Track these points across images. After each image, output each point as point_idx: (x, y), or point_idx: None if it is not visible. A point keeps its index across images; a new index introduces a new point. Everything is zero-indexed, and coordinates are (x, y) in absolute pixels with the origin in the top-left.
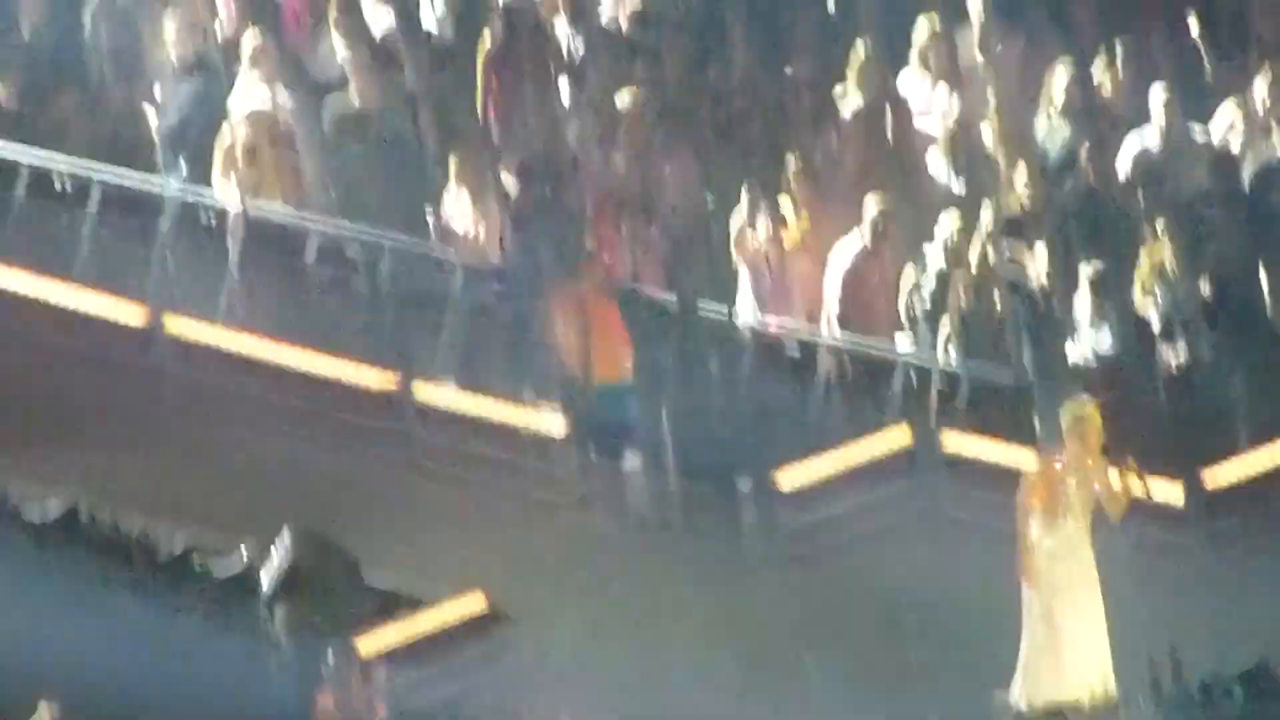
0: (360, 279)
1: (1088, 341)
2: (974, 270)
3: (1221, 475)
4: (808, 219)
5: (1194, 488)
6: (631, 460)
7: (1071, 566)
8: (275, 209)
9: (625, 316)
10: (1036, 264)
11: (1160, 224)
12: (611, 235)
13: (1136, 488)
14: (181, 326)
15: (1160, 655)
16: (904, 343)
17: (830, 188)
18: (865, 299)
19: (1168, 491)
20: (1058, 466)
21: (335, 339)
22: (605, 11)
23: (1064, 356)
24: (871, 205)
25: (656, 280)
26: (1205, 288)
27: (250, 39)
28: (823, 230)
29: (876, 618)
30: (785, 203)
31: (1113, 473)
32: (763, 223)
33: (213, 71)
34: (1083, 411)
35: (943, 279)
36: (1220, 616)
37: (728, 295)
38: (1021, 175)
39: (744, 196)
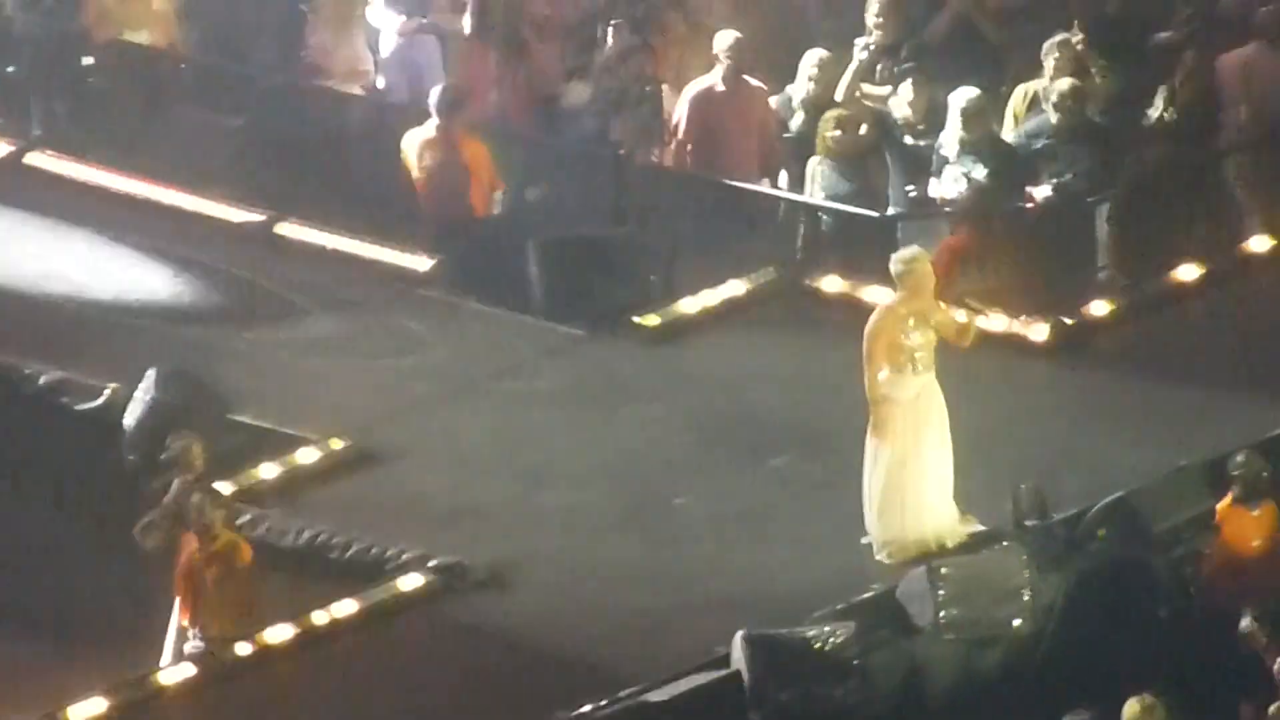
0: (229, 115)
1: (955, 175)
2: (842, 107)
3: (1088, 310)
4: (677, 55)
5: (1058, 323)
6: (498, 298)
7: (920, 412)
8: (143, 42)
9: (494, 154)
10: (904, 98)
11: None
12: (483, 73)
13: (979, 322)
14: (46, 161)
15: (1025, 491)
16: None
17: (700, 25)
18: (726, 136)
19: (1034, 328)
20: (897, 315)
21: (203, 175)
22: None
23: (931, 192)
24: (723, 41)
25: (528, 119)
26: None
27: None
28: (692, 67)
29: (744, 457)
30: (658, 41)
31: (954, 312)
32: (632, 58)
33: None
34: (912, 260)
35: (810, 116)
36: (1085, 451)
37: (600, 132)
38: (887, 7)
39: (612, 32)
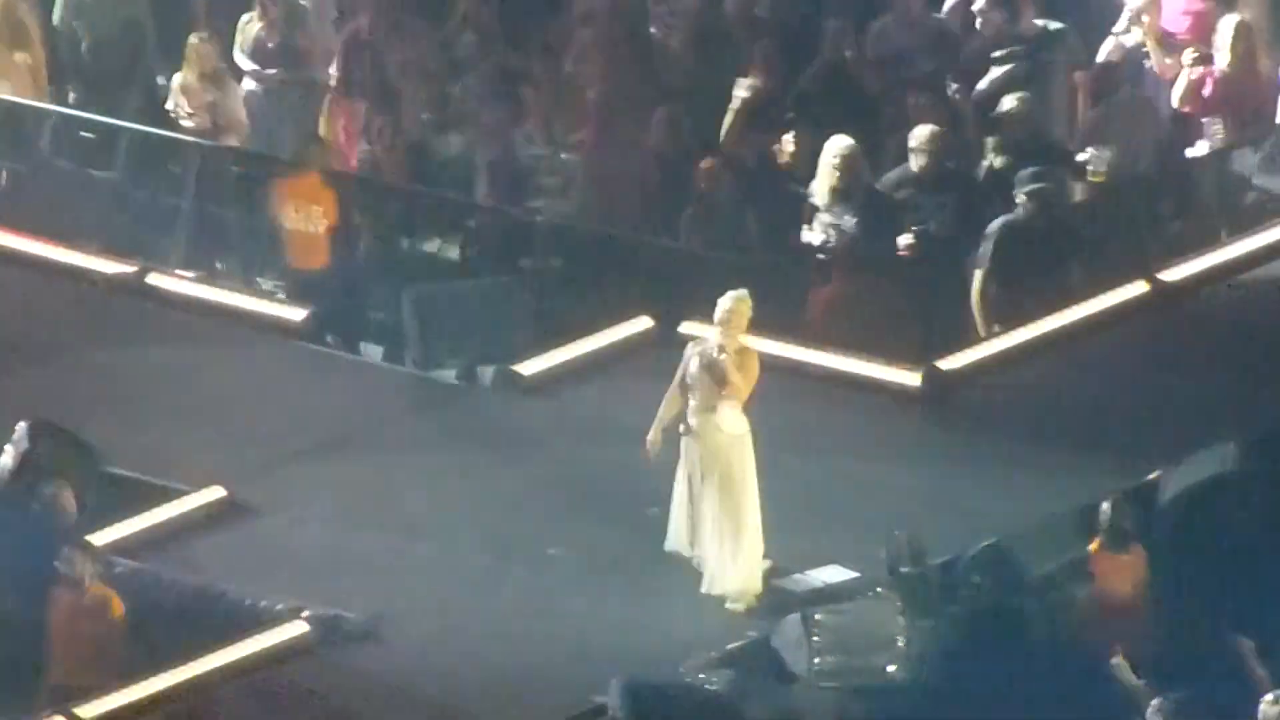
0: (97, 167)
1: (826, 223)
2: (718, 155)
3: (958, 358)
4: (550, 103)
5: (930, 370)
6: (370, 349)
7: (692, 449)
8: (8, 95)
9: (364, 205)
10: (785, 147)
11: (914, 102)
12: (349, 123)
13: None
14: None
15: (900, 537)
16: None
17: (573, 76)
18: (611, 188)
19: (905, 376)
20: (709, 350)
21: (74, 227)
22: None
23: (803, 239)
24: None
25: (398, 170)
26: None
27: None
28: (564, 118)
29: (620, 506)
30: (528, 92)
31: (748, 361)
32: (500, 109)
33: None
34: (733, 300)
35: (687, 165)
36: (957, 498)
37: (469, 183)
38: (763, 56)
39: (479, 81)
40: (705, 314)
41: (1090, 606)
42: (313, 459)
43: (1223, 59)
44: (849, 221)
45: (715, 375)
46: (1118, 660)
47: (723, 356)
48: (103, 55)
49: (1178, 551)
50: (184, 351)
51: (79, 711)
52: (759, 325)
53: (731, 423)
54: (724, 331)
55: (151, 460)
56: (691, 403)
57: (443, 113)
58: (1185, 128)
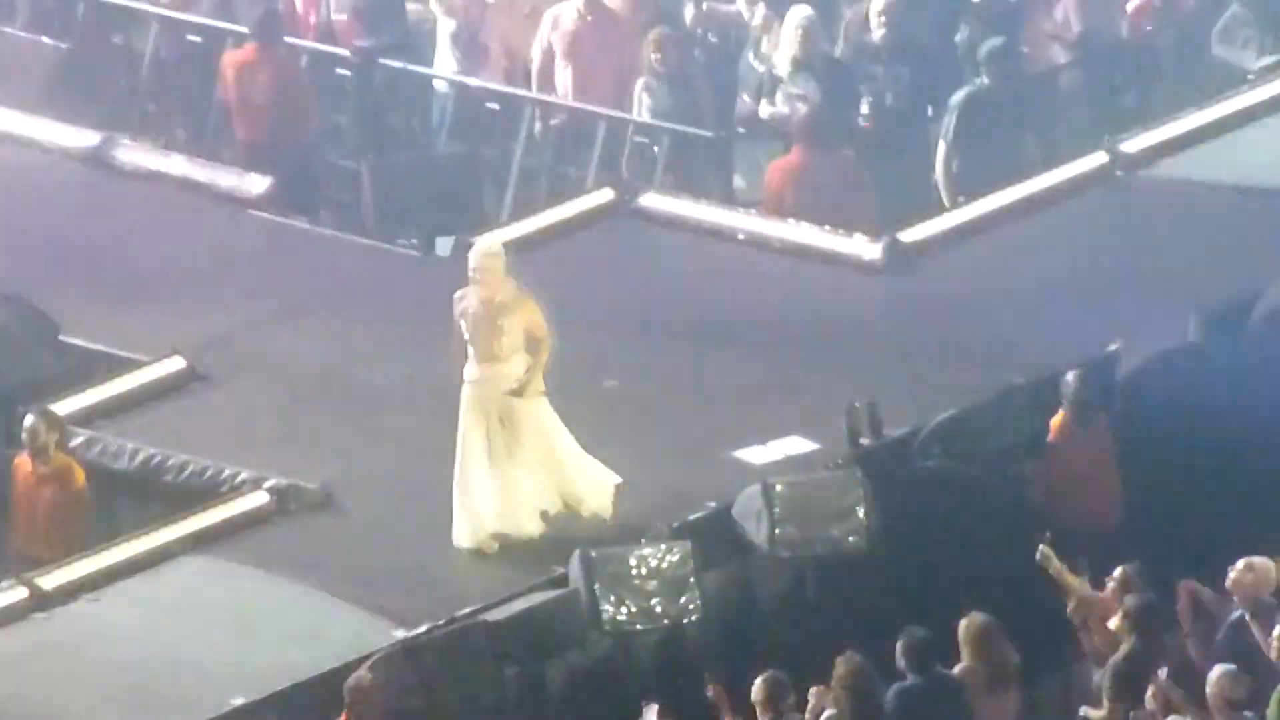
0: (57, 33)
1: (788, 93)
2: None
3: (918, 230)
4: None
5: (891, 242)
6: (328, 219)
7: (473, 401)
8: None
9: (318, 75)
10: (752, 18)
11: None
12: None
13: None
14: None
15: (859, 409)
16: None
17: None
18: (585, 63)
19: (866, 246)
20: (471, 305)
21: (35, 97)
22: None
23: (761, 112)
24: None
25: (357, 41)
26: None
27: None
28: None
29: (577, 378)
30: None
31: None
32: None
33: None
34: (479, 256)
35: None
36: (917, 370)
37: (428, 51)
38: None
39: None
40: (662, 186)
41: (1051, 480)
42: (271, 329)
43: None
44: (811, 92)
45: (485, 329)
46: (1044, 549)
47: (487, 310)
48: None
49: (1136, 424)
50: (143, 221)
51: (40, 581)
52: (716, 197)
53: (517, 374)
54: (480, 287)
55: (110, 330)
56: (471, 356)
57: None
58: None
